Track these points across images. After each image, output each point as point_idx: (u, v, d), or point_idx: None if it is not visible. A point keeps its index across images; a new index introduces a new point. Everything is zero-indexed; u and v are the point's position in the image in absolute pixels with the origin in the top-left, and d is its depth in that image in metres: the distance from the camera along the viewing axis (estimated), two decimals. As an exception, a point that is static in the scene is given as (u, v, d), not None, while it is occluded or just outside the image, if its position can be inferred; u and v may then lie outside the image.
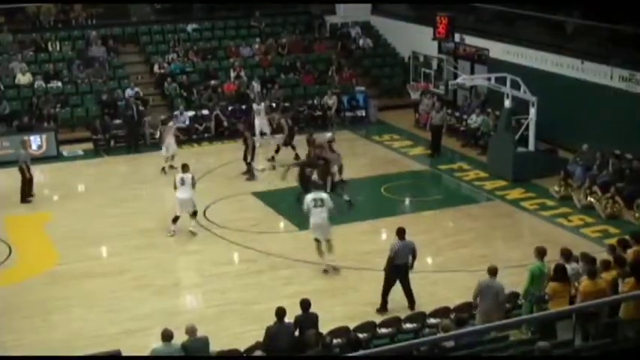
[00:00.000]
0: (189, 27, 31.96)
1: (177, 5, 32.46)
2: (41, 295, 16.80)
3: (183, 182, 19.24)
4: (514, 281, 14.94)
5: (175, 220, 19.44)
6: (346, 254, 17.92)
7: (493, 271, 13.79)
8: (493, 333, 12.19)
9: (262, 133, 25.98)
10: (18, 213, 21.20)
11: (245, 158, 23.33)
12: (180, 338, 12.54)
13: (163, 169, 23.77)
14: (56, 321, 15.84)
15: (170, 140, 24.05)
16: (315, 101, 29.24)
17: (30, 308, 16.26)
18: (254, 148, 23.43)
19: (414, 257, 15.76)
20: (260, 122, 26.02)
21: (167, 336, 12.41)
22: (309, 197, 17.41)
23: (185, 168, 19.51)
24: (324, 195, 17.54)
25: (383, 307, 15.70)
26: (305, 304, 13.35)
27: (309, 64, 31.35)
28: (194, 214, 19.58)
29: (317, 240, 17.33)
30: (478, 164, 24.53)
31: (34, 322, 15.75)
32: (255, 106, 26.52)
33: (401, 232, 15.76)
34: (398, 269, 15.70)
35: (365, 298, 16.03)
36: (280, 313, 13.00)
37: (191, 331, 12.62)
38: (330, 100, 28.90)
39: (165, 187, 22.17)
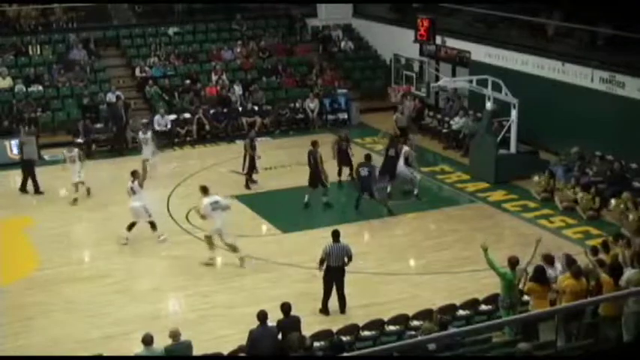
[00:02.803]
0: (171, 30, 31.81)
1: (159, 8, 32.33)
2: (21, 301, 16.67)
3: (133, 191, 19.25)
4: (497, 282, 14.93)
5: (131, 227, 19.27)
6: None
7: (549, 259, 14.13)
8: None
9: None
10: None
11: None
12: (162, 343, 12.49)
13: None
14: (37, 326, 15.71)
15: None
16: (297, 104, 29.19)
17: (10, 314, 16.11)
18: (253, 159, 22.72)
19: (349, 259, 15.87)
20: (145, 152, 23.57)
21: (148, 340, 12.40)
22: (207, 201, 17.76)
23: (134, 175, 19.43)
24: (218, 197, 17.96)
25: (323, 311, 15.81)
26: (286, 308, 13.40)
27: (291, 67, 31.32)
28: (152, 225, 19.34)
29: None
30: (460, 166, 24.57)
31: (14, 327, 15.62)
32: (140, 135, 24.23)
33: (335, 235, 15.92)
34: (332, 271, 15.77)
35: (348, 301, 15.99)
36: (262, 316, 13.01)
37: (175, 335, 12.61)
38: (312, 103, 28.88)
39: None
